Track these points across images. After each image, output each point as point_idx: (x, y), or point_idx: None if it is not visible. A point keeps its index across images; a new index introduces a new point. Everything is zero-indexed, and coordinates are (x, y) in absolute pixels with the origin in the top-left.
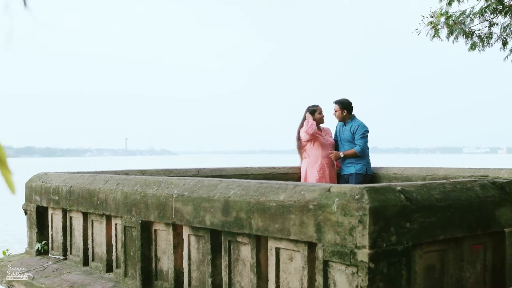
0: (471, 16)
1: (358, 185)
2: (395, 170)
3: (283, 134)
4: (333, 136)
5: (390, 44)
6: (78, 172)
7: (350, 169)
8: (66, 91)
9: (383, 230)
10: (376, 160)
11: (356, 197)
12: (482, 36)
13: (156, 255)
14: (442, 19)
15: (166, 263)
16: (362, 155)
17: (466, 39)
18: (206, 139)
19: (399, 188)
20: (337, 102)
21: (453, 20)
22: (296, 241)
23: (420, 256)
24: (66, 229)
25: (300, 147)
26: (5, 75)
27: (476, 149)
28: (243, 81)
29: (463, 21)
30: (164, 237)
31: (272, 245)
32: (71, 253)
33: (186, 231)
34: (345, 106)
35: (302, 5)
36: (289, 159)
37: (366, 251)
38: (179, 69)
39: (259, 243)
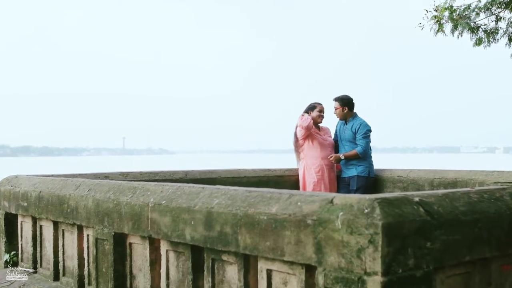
0: (476, 10)
1: (367, 196)
2: (399, 172)
3: (282, 134)
4: (332, 136)
5: (390, 43)
6: (50, 176)
7: (352, 171)
8: (65, 91)
9: (399, 252)
10: (374, 160)
11: (366, 210)
12: (488, 31)
13: (131, 272)
14: (446, 13)
15: (142, 281)
16: (364, 156)
17: (471, 34)
18: (204, 138)
19: (417, 199)
20: (337, 99)
21: (458, 15)
22: (291, 263)
23: (442, 281)
24: (36, 239)
25: (297, 147)
26: (5, 75)
27: (473, 149)
28: (243, 81)
29: (468, 16)
30: (140, 252)
31: (262, 266)
32: (41, 266)
33: (164, 246)
34: (345, 103)
35: (302, 5)
36: (288, 159)
37: (378, 278)
38: (179, 69)
39: (248, 263)
